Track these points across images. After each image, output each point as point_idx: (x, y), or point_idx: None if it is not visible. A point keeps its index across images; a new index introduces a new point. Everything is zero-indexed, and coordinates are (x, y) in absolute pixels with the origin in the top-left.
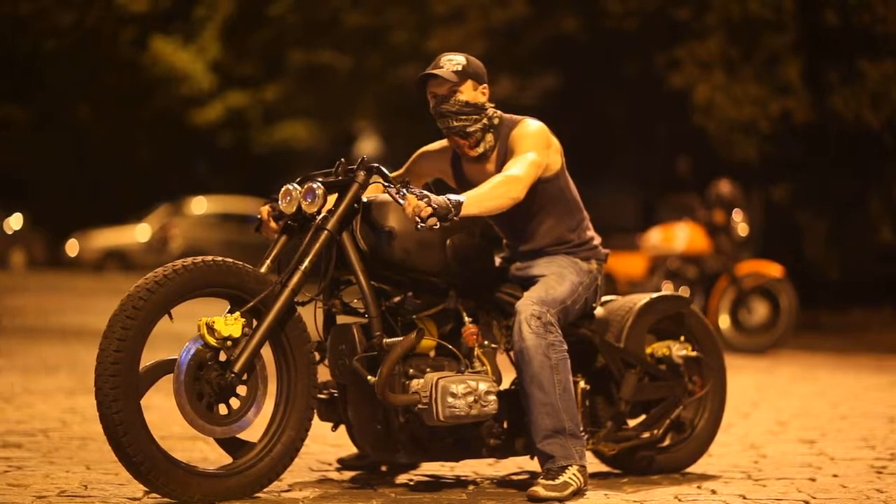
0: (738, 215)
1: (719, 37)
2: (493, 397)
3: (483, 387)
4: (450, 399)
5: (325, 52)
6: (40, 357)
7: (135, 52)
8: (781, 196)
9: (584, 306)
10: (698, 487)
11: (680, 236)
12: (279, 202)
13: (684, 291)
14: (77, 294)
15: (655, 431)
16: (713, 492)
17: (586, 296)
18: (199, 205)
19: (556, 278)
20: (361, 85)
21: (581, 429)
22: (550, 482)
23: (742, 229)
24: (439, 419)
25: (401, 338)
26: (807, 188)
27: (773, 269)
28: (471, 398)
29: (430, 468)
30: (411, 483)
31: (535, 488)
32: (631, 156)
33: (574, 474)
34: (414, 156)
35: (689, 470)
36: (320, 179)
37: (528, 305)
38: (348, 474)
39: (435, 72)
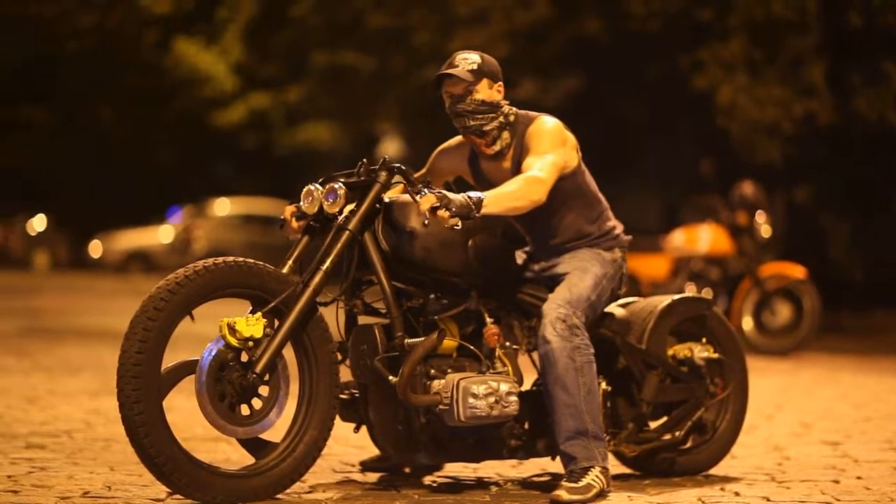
0: (761, 217)
1: (742, 38)
2: (514, 398)
3: (504, 388)
4: (471, 400)
5: (347, 54)
6: (64, 358)
7: (157, 54)
8: (805, 198)
9: (611, 297)
10: (721, 489)
11: (703, 238)
12: (301, 202)
13: (707, 293)
14: (100, 295)
15: (677, 433)
16: (736, 494)
17: (612, 286)
18: (222, 206)
19: (578, 275)
20: (384, 86)
21: (604, 431)
22: (573, 485)
23: (765, 231)
24: (460, 420)
25: (422, 338)
26: (830, 190)
27: (797, 271)
28: (492, 399)
29: (453, 470)
30: (434, 485)
31: (558, 491)
32: (654, 157)
33: (597, 476)
34: (433, 154)
35: (712, 472)
36: (342, 180)
37: (553, 308)
38: (371, 476)
39: (450, 71)
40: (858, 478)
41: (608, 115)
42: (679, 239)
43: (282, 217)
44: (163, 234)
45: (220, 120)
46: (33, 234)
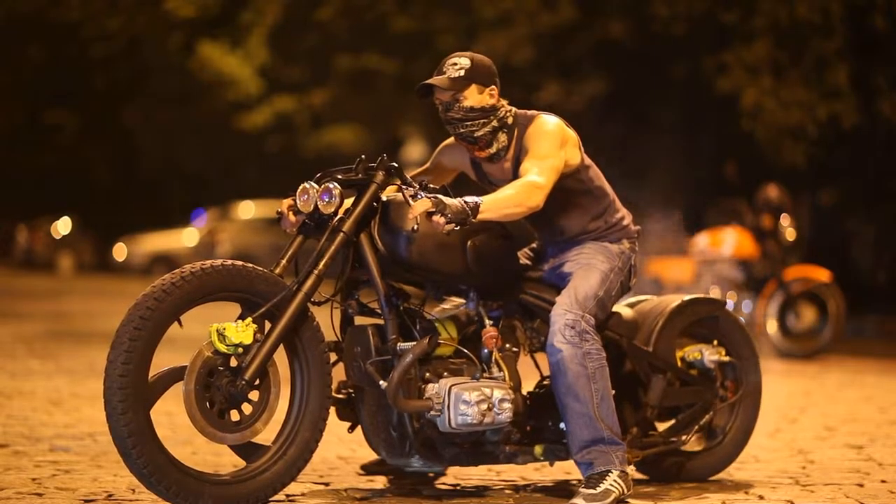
0: (785, 220)
1: (767, 41)
2: (507, 405)
3: (498, 394)
4: (462, 407)
5: (372, 57)
6: (88, 361)
7: (183, 57)
8: (829, 200)
9: (621, 290)
10: (746, 493)
11: (727, 241)
12: (296, 200)
13: (731, 296)
14: (125, 298)
15: (683, 437)
16: (761, 497)
17: (620, 279)
18: (247, 209)
19: (583, 274)
20: (408, 90)
21: (621, 435)
22: (591, 491)
23: (790, 234)
24: (451, 427)
25: (413, 343)
26: (854, 192)
27: (821, 274)
28: (484, 406)
29: (477, 473)
30: (458, 488)
31: (575, 499)
32: (678, 160)
33: (615, 480)
34: (437, 150)
35: (736, 475)
36: (339, 176)
37: (561, 315)
38: (390, 478)
39: (431, 81)
40: (883, 481)
41: (633, 117)
42: (703, 242)
43: (278, 211)
44: (187, 238)
45: (244, 123)
46: (58, 236)
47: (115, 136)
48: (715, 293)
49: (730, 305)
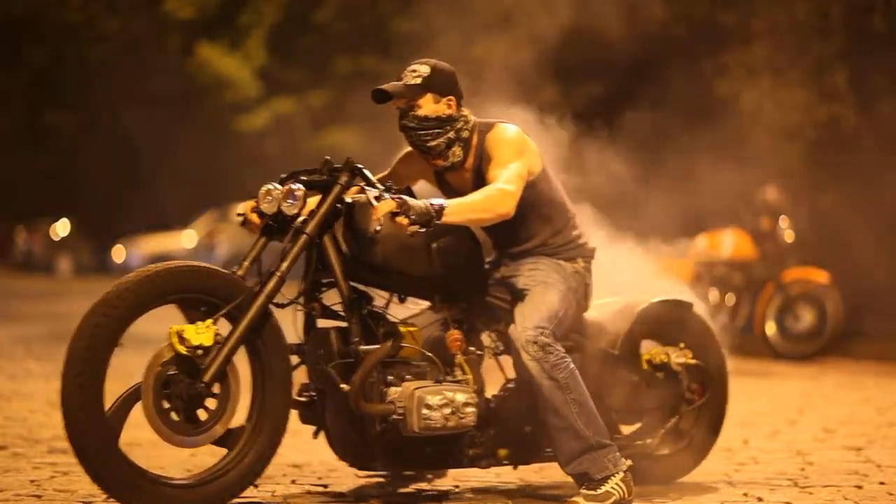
0: (784, 222)
1: (766, 43)
2: (471, 409)
3: (461, 398)
4: (425, 411)
5: (370, 59)
6: None
7: (181, 59)
8: (828, 202)
9: (577, 309)
10: (745, 494)
11: (726, 243)
12: (259, 201)
13: (730, 298)
14: None
15: (649, 440)
16: (759, 499)
17: (576, 299)
18: None
19: (541, 290)
20: None
21: (608, 436)
22: (591, 492)
23: (788, 236)
24: (414, 430)
25: (377, 346)
26: (854, 194)
27: (820, 276)
28: (447, 410)
29: (474, 474)
30: (456, 489)
31: (574, 499)
32: (677, 161)
33: (617, 484)
34: (398, 157)
35: (735, 477)
36: (303, 178)
37: (521, 332)
38: (380, 480)
39: (383, 87)
40: (882, 483)
41: (631, 118)
42: (702, 244)
43: (238, 213)
44: (186, 239)
45: (243, 125)
46: (57, 238)
47: (114, 137)
48: (713, 295)
49: (726, 308)
